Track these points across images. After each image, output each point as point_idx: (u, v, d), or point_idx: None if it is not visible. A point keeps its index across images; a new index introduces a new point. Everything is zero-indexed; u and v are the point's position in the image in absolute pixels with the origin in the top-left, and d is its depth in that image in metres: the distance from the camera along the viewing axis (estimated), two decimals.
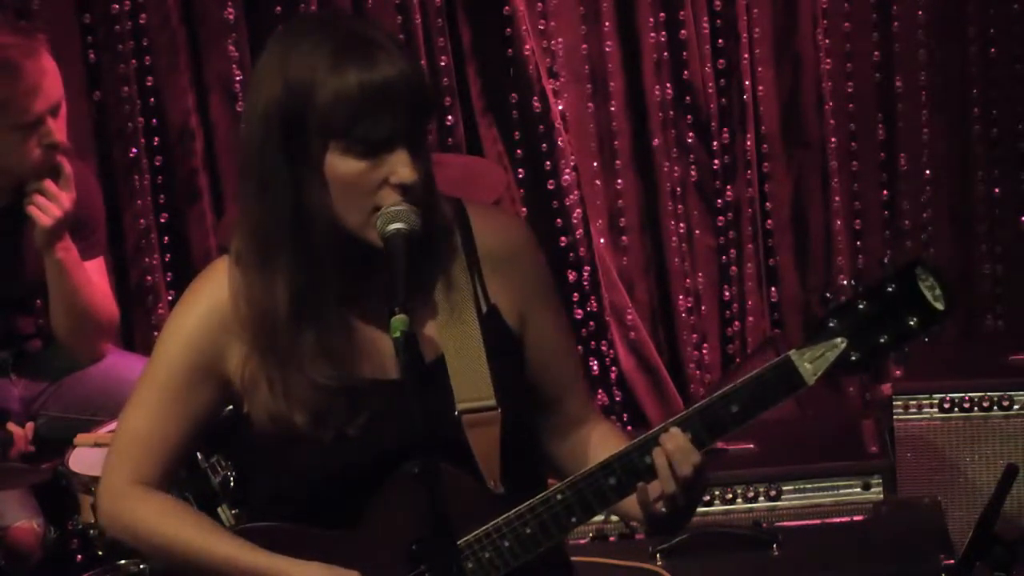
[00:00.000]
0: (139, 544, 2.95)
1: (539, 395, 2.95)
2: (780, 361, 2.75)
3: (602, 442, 2.91)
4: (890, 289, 2.71)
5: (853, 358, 2.73)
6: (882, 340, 2.72)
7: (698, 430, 2.76)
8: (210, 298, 2.86)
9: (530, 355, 2.93)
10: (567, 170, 5.67)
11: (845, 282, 5.98)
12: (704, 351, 5.82)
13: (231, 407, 2.91)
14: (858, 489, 4.65)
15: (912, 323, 2.71)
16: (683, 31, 5.68)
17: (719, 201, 5.78)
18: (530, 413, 2.92)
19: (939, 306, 2.71)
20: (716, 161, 5.76)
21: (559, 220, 5.65)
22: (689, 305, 5.81)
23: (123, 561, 4.17)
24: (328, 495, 2.83)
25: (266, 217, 2.77)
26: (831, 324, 2.73)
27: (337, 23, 2.81)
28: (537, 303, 2.93)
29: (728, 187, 5.77)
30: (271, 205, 2.76)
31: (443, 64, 5.57)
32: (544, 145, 5.67)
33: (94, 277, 4.65)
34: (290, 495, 2.86)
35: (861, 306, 2.72)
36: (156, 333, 5.46)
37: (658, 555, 4.23)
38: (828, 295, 2.76)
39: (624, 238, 5.79)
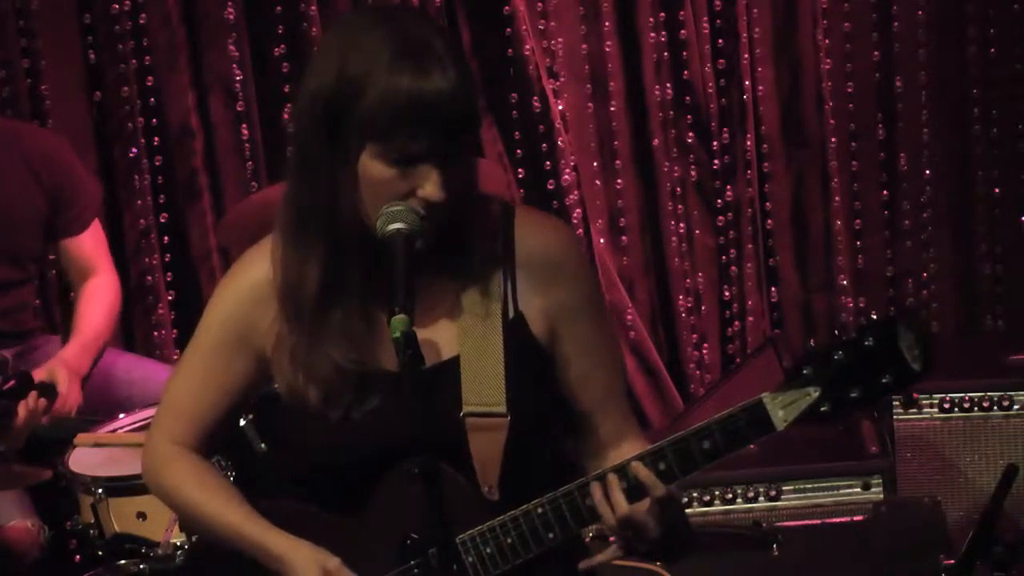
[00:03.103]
0: (166, 501, 3.07)
1: (573, 411, 2.93)
2: (752, 403, 2.72)
3: None
4: (868, 343, 2.66)
5: (823, 408, 2.70)
6: (853, 395, 2.68)
7: (670, 463, 2.75)
8: (253, 272, 2.92)
9: (561, 369, 2.91)
10: (567, 170, 5.67)
11: (845, 282, 5.99)
12: (704, 351, 5.82)
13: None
14: (858, 489, 4.65)
15: (885, 380, 2.66)
16: (683, 31, 5.68)
17: (719, 201, 5.79)
18: (546, 424, 2.90)
19: (916, 367, 2.65)
20: (716, 161, 5.76)
21: None
22: (689, 305, 5.81)
23: (123, 561, 4.17)
24: (332, 478, 2.87)
25: (304, 196, 2.81)
26: (805, 372, 2.69)
27: (401, 23, 2.77)
28: (573, 317, 2.90)
29: (728, 187, 5.77)
30: (309, 186, 2.80)
31: None
32: (544, 145, 5.67)
33: (86, 246, 4.71)
34: (299, 475, 2.92)
35: (837, 356, 2.67)
36: (156, 333, 5.51)
37: None
38: (811, 342, 2.73)
39: (624, 238, 5.79)
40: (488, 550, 2.80)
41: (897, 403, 4.86)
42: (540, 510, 2.79)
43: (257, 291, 2.90)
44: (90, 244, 4.74)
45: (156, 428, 3.05)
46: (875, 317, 2.68)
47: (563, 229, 3.00)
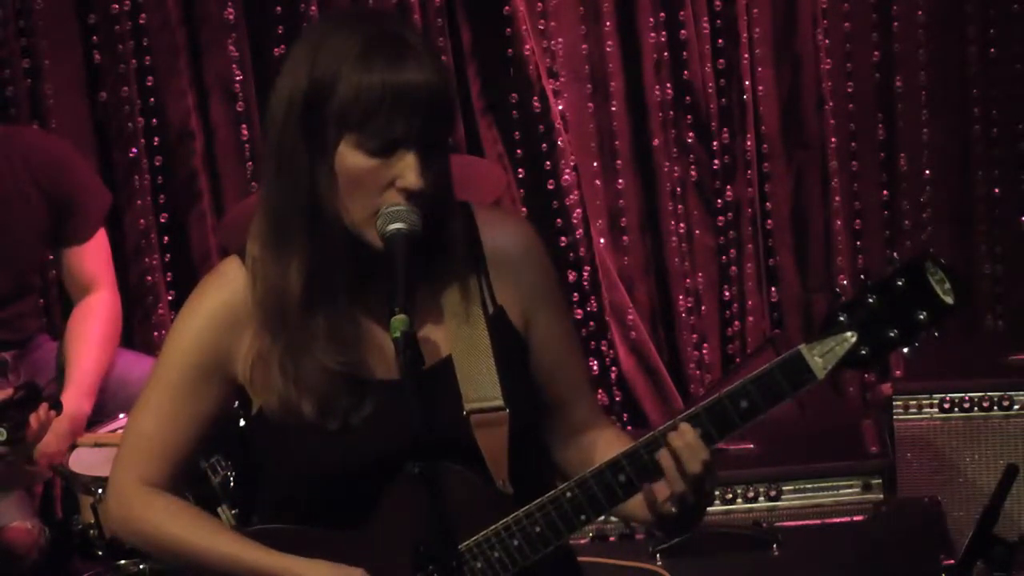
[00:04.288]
0: (148, 546, 2.98)
1: (545, 399, 2.95)
2: (790, 355, 2.73)
3: (608, 447, 2.90)
4: (900, 283, 2.69)
5: (863, 352, 2.72)
6: (892, 334, 2.71)
7: (707, 427, 2.75)
8: (217, 297, 2.88)
9: (536, 358, 2.93)
10: (567, 170, 5.67)
11: (845, 282, 5.98)
12: (704, 351, 5.82)
13: (236, 404, 2.92)
14: (858, 489, 4.65)
15: (922, 317, 2.70)
16: (683, 31, 5.68)
17: (719, 201, 5.79)
18: (537, 414, 2.92)
19: (948, 300, 2.69)
20: (716, 161, 5.76)
21: (559, 220, 5.66)
22: (689, 305, 5.81)
23: (123, 561, 4.17)
24: (332, 492, 2.83)
25: (282, 199, 2.79)
26: (841, 318, 2.71)
27: (374, 20, 2.80)
28: (542, 306, 2.93)
29: (728, 187, 5.77)
30: (287, 188, 2.78)
31: None
32: (544, 145, 5.67)
33: (88, 259, 4.63)
34: (296, 493, 2.87)
35: (871, 300, 2.70)
36: (156, 333, 5.51)
37: (658, 555, 4.23)
38: (838, 291, 2.75)
39: (624, 238, 5.79)
40: (515, 542, 2.79)
41: (898, 403, 4.85)
42: (569, 494, 2.78)
43: (225, 315, 2.86)
44: (92, 257, 4.65)
45: (119, 473, 2.94)
46: (900, 259, 2.71)
47: (523, 222, 3.04)
